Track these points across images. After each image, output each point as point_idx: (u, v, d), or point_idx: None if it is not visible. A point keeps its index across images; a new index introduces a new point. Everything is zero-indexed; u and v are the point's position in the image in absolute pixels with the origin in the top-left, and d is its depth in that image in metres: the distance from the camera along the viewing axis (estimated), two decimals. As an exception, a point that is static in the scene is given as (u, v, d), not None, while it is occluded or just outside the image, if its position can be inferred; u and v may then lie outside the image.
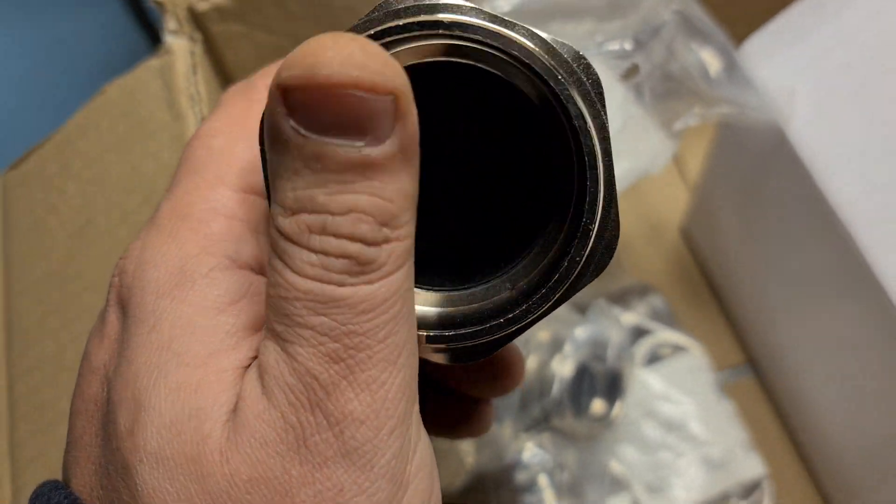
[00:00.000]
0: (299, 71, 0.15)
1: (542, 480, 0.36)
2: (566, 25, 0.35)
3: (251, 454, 0.17)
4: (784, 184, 0.39)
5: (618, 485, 0.39)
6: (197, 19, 0.42)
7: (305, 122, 0.15)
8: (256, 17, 0.43)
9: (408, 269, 0.17)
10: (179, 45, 0.41)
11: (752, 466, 0.43)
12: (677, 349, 0.45)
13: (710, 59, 0.37)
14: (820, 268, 0.39)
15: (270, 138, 0.16)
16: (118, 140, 0.41)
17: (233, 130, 0.22)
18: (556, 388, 0.37)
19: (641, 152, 0.37)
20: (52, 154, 0.43)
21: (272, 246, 0.17)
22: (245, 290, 0.19)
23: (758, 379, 0.49)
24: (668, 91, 0.37)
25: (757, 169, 0.41)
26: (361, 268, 0.16)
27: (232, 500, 0.17)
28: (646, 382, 0.43)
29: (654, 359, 0.44)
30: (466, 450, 0.36)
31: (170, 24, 0.41)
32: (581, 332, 0.38)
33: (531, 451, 0.36)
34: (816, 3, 0.38)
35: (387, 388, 0.17)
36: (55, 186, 0.42)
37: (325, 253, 0.16)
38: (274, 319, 0.17)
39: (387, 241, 0.16)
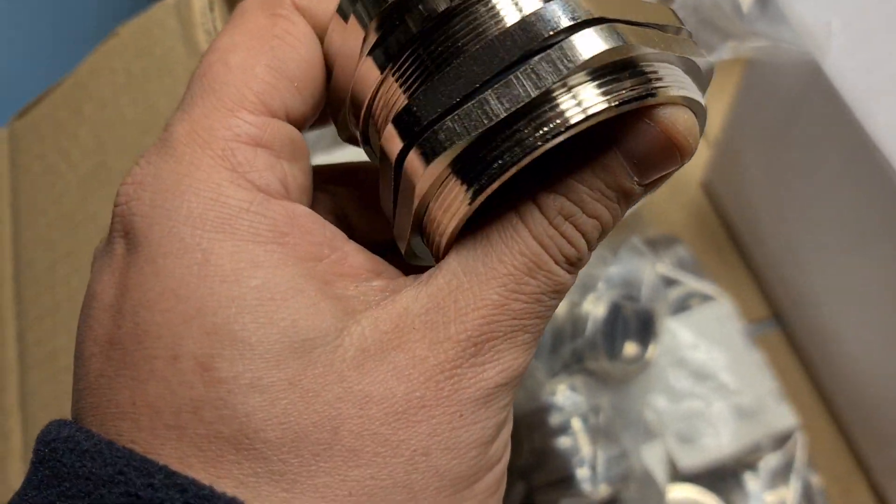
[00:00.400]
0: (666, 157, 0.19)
1: (576, 424, 0.35)
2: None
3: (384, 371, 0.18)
4: (819, 121, 0.38)
5: (650, 433, 0.38)
6: (212, -44, 0.41)
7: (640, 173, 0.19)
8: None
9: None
10: (195, -18, 0.40)
11: (783, 417, 0.42)
12: (705, 298, 0.44)
13: (746, -7, 0.36)
14: (858, 208, 0.38)
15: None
16: (132, 80, 0.40)
17: (253, 45, 0.20)
18: (589, 329, 0.36)
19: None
20: (62, 100, 0.42)
21: (522, 210, 0.19)
22: (290, 220, 0.19)
23: (784, 333, 0.48)
24: (699, 26, 0.36)
25: (789, 108, 0.40)
26: (576, 261, 0.19)
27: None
28: (675, 332, 0.42)
29: (681, 308, 0.43)
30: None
31: (185, -39, 0.40)
32: (614, 271, 0.37)
33: (564, 394, 0.35)
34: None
35: (520, 363, 0.19)
36: (67, 132, 0.41)
37: (563, 235, 0.19)
38: (480, 259, 0.18)
39: (592, 251, 0.19)
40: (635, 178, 0.19)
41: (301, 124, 0.21)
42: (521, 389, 0.35)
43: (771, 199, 0.46)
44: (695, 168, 0.53)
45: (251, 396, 0.17)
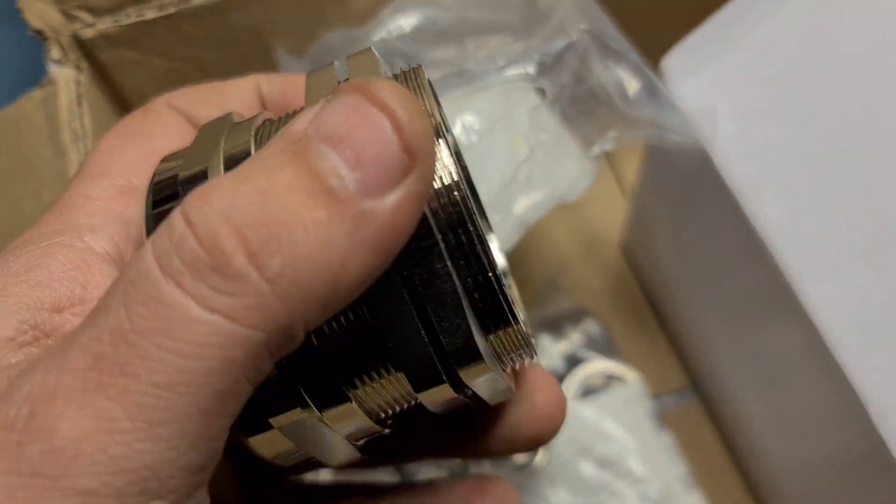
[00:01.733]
0: None
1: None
2: (467, 46, 0.32)
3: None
4: (710, 205, 0.37)
5: (548, 532, 0.37)
6: (83, 47, 0.39)
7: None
8: (150, 43, 0.40)
9: None
10: (64, 74, 0.38)
11: (691, 503, 0.40)
12: (612, 378, 0.42)
13: (628, 79, 0.35)
14: (747, 290, 0.37)
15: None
16: (-1, 178, 0.38)
17: (122, 134, 0.22)
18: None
19: (557, 179, 0.34)
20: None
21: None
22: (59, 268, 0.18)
23: (701, 403, 0.47)
24: (581, 114, 0.35)
25: (684, 188, 0.39)
26: None
27: None
28: (579, 416, 0.41)
29: (587, 392, 0.42)
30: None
31: (53, 52, 0.38)
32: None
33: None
34: (736, 14, 0.36)
35: None
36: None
37: None
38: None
39: None
40: (347, 174, 0.15)
41: None
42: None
43: (678, 269, 0.44)
44: (614, 228, 0.52)
45: None
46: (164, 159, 0.20)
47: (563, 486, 0.39)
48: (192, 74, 0.42)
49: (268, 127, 0.19)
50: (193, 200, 0.15)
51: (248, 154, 0.18)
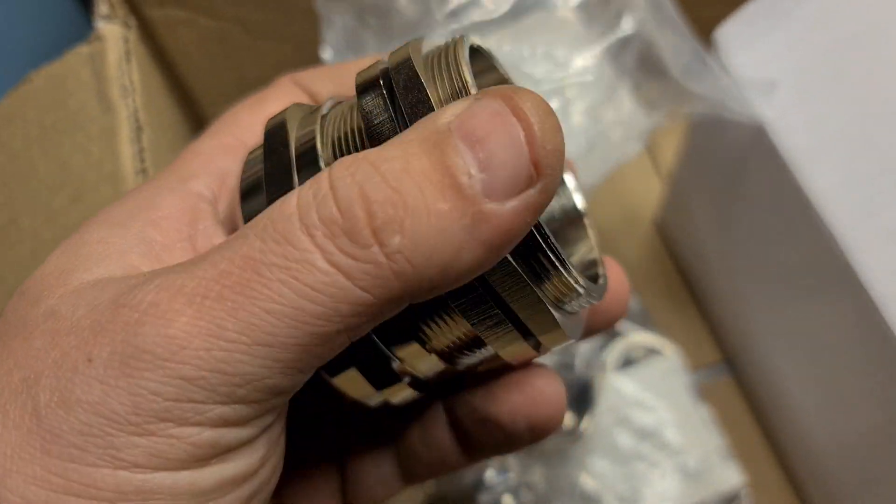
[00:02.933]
0: None
1: (507, 500, 0.33)
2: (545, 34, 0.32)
3: None
4: (762, 178, 0.37)
5: (588, 500, 0.37)
6: (132, 3, 0.39)
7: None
8: (197, 1, 0.40)
9: None
10: (112, 31, 0.38)
11: (729, 475, 0.41)
12: (650, 352, 0.42)
13: (684, 53, 0.35)
14: (798, 264, 0.36)
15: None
16: (44, 132, 0.38)
17: (245, 103, 0.23)
18: (520, 400, 0.34)
19: (613, 142, 0.34)
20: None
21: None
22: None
23: (735, 379, 0.47)
24: (639, 84, 0.34)
25: (733, 163, 0.39)
26: None
27: None
28: (618, 388, 0.41)
29: (626, 363, 0.42)
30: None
31: (101, 7, 0.38)
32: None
33: (494, 471, 0.33)
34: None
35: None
36: (-22, 183, 0.39)
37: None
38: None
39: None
40: (474, 173, 0.16)
41: None
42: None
43: (719, 245, 0.44)
44: (649, 205, 0.52)
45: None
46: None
47: (602, 456, 0.39)
48: (238, 35, 0.42)
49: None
50: (340, 168, 0.16)
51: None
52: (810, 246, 0.35)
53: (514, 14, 0.33)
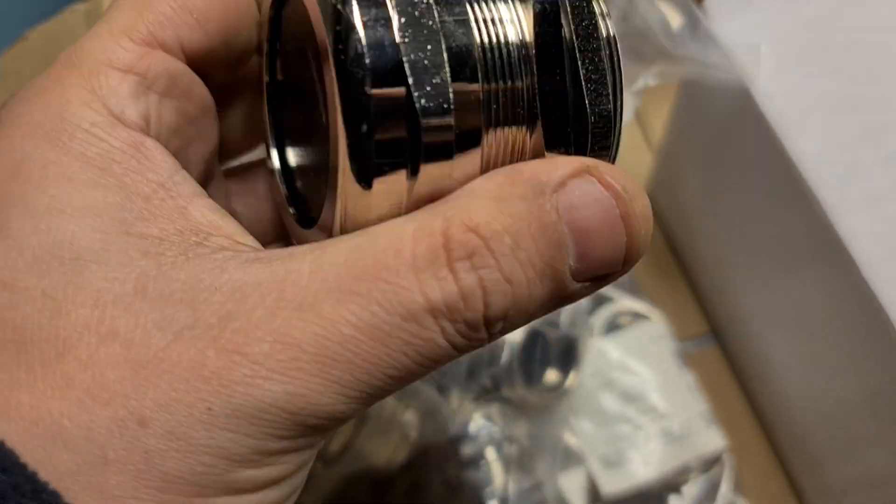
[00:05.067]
0: None
1: (490, 454, 0.34)
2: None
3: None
4: (749, 144, 0.37)
5: (571, 458, 0.38)
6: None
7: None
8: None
9: None
10: (108, -13, 0.38)
11: (712, 439, 0.41)
12: (637, 317, 0.43)
13: (672, 16, 0.35)
14: (785, 232, 0.37)
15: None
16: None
17: None
18: (505, 356, 0.35)
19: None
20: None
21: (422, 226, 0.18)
22: (130, 150, 0.18)
23: (721, 349, 0.47)
24: (627, 49, 0.35)
25: (721, 129, 0.39)
26: (462, 325, 0.18)
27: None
28: (604, 352, 0.42)
29: (613, 328, 0.42)
30: (410, 422, 0.34)
31: (97, -36, 0.38)
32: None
33: (478, 423, 0.34)
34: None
35: (325, 406, 0.18)
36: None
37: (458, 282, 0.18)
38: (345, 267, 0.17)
39: (488, 333, 0.18)
40: (572, 265, 0.17)
41: (205, 61, 0.20)
42: (433, 419, 0.34)
43: (707, 214, 0.45)
44: (638, 177, 0.52)
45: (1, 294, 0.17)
46: None
47: (586, 416, 0.39)
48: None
49: None
50: (461, 246, 0.17)
51: None
52: (795, 211, 0.35)
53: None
